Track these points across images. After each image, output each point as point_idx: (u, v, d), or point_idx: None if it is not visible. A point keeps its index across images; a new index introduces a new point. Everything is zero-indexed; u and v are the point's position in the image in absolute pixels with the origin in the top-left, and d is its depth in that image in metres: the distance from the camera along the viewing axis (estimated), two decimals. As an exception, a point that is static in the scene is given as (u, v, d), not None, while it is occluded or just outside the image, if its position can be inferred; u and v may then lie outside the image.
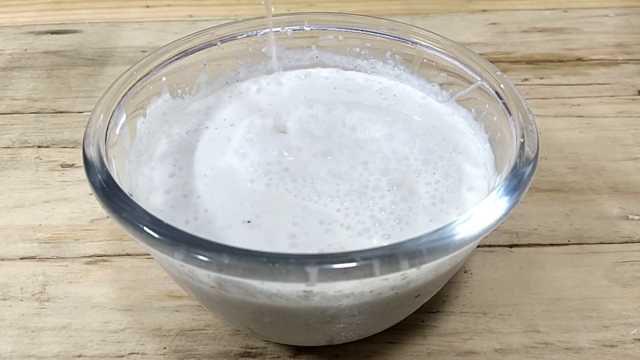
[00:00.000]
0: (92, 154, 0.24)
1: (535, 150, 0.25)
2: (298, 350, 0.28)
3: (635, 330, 0.29)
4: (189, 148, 0.29)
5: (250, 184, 0.27)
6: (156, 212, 0.24)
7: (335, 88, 0.34)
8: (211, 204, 0.26)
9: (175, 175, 0.28)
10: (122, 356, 0.28)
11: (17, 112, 0.43)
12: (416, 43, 0.32)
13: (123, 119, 0.28)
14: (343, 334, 0.26)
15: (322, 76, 0.34)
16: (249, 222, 0.25)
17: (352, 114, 0.31)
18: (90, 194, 0.23)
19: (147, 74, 0.29)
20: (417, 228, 0.25)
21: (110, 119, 0.27)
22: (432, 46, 0.32)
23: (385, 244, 0.21)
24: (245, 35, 0.33)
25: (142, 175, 0.28)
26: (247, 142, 0.29)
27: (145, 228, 0.21)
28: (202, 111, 0.32)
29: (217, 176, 0.28)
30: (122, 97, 0.28)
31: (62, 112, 0.43)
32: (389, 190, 0.27)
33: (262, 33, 0.33)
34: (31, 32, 0.52)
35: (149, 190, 0.27)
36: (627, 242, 0.33)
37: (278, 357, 0.28)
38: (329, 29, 0.34)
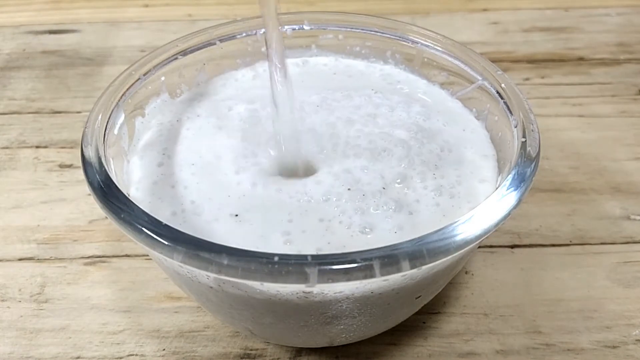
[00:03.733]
0: (90, 154, 0.24)
1: (537, 150, 0.24)
2: (298, 351, 0.28)
3: (637, 331, 0.29)
4: (178, 136, 0.29)
5: (237, 175, 0.26)
6: (143, 203, 0.24)
7: (334, 74, 0.33)
8: (197, 195, 0.26)
9: (164, 164, 0.27)
10: (120, 358, 0.28)
11: (15, 112, 0.43)
12: (417, 42, 0.32)
13: (121, 119, 0.27)
14: (343, 335, 0.26)
15: (321, 63, 0.34)
16: (236, 215, 0.24)
17: (352, 99, 0.30)
18: (89, 195, 0.23)
19: (146, 73, 0.29)
20: (424, 224, 0.24)
21: (109, 119, 0.26)
22: (432, 45, 0.32)
23: (387, 244, 0.21)
24: (244, 34, 0.33)
25: (133, 164, 0.27)
26: (238, 131, 0.28)
27: (144, 229, 0.21)
28: (195, 99, 0.31)
29: (204, 165, 0.27)
30: (121, 97, 0.27)
31: (60, 112, 0.43)
32: (396, 182, 0.26)
33: (261, 32, 0.33)
34: (29, 32, 0.52)
35: (138, 180, 0.26)
36: (629, 243, 0.33)
37: (278, 358, 0.28)
38: (328, 28, 0.34)
